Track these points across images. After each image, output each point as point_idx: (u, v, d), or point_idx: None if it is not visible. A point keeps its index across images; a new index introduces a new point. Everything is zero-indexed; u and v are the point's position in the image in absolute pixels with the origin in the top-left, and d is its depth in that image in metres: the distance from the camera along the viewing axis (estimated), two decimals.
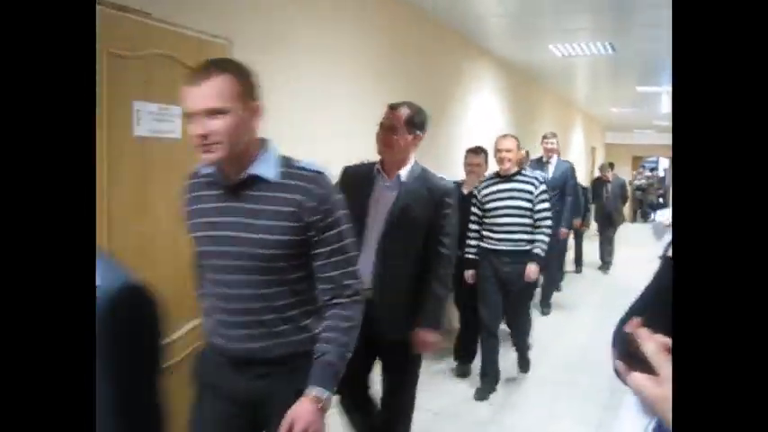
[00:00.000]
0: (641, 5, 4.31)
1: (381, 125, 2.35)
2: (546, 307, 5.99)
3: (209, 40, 2.52)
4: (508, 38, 5.55)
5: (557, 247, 5.54)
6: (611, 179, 8.85)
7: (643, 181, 17.43)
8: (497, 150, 3.77)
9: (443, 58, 5.11)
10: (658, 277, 0.97)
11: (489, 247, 3.78)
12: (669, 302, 0.64)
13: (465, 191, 3.98)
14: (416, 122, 2.34)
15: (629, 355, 0.66)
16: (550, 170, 5.66)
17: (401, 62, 4.30)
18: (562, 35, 5.34)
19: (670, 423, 0.60)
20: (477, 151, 4.19)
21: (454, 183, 4.14)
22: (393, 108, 2.37)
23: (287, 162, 1.55)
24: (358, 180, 2.37)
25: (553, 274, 6.09)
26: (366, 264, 2.18)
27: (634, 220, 16.04)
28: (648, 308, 0.86)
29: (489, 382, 3.93)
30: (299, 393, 1.48)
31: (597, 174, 9.71)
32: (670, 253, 1.19)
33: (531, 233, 3.72)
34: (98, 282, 0.89)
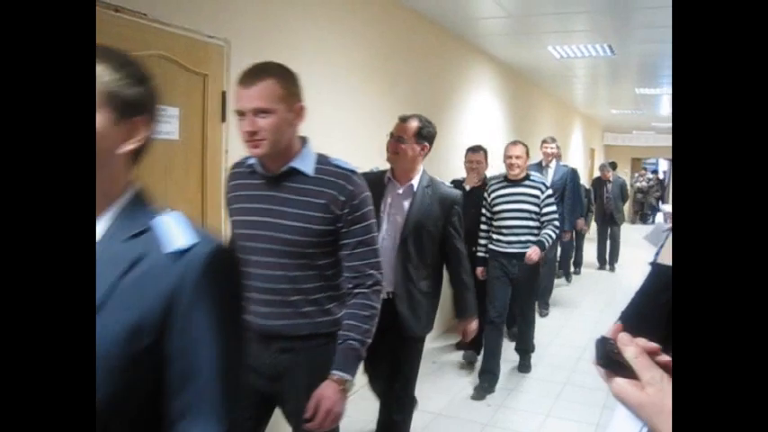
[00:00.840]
0: (640, 7, 4.30)
1: (391, 135, 2.58)
2: (544, 308, 6.00)
3: (205, 41, 2.51)
4: (507, 40, 5.55)
5: (551, 252, 5.60)
6: (611, 179, 8.76)
7: (644, 183, 17.36)
8: (507, 156, 4.03)
9: (442, 60, 5.10)
10: (644, 282, 0.97)
11: (498, 249, 4.07)
12: (652, 306, 0.63)
13: (467, 187, 4.29)
14: (424, 134, 2.57)
15: (610, 360, 0.65)
16: (550, 174, 5.65)
17: (400, 64, 4.29)
18: (561, 37, 5.34)
19: (655, 428, 0.59)
20: (477, 149, 4.45)
21: (454, 181, 4.46)
22: (403, 120, 2.58)
23: (323, 159, 1.70)
24: (370, 186, 2.44)
25: (550, 276, 6.13)
26: (385, 268, 2.29)
27: (634, 221, 16.01)
28: (633, 313, 0.86)
29: (488, 380, 4.01)
30: (317, 370, 1.62)
31: (597, 174, 9.63)
32: (659, 259, 1.18)
33: (537, 235, 3.97)
34: (196, 240, 0.89)
